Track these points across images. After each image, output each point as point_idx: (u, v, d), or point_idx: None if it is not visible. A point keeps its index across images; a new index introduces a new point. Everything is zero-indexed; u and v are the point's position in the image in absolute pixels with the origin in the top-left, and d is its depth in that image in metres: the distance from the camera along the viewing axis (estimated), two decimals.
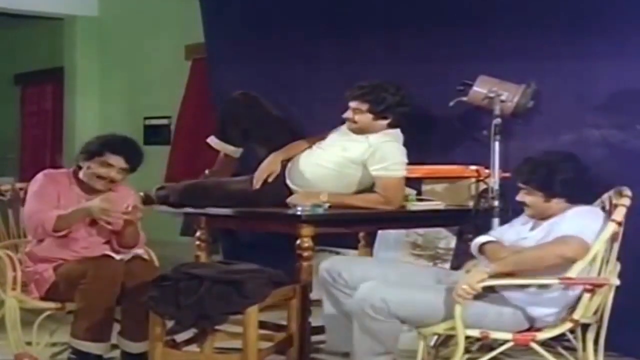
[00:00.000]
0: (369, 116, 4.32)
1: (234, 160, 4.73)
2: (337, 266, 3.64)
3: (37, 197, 4.01)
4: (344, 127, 4.47)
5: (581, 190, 3.38)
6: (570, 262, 3.17)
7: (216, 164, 4.76)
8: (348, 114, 4.37)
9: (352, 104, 4.35)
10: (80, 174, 4.08)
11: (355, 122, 4.35)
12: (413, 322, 3.36)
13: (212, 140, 4.73)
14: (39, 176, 4.10)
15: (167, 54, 7.65)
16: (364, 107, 4.32)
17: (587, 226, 3.22)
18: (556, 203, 3.36)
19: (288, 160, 4.48)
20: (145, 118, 7.93)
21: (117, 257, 3.92)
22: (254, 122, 4.64)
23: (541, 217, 3.42)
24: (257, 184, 4.38)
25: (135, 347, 3.87)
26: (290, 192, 4.37)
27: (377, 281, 3.38)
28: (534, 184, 3.38)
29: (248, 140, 4.70)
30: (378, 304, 3.24)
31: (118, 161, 4.02)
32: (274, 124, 4.67)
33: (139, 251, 4.07)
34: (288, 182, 4.45)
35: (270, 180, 4.39)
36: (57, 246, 4.00)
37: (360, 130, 4.34)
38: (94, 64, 8.62)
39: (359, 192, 4.39)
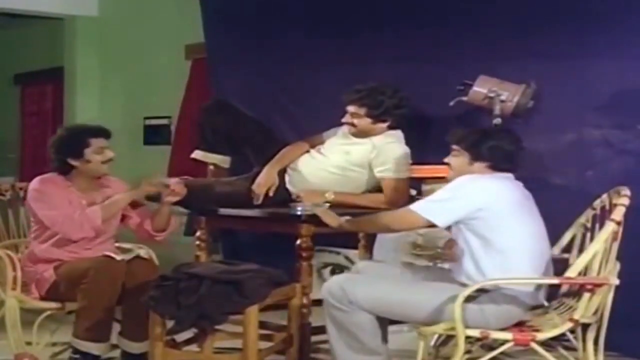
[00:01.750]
0: (368, 120, 4.33)
1: (224, 171, 4.72)
2: (360, 267, 3.76)
3: (50, 202, 3.97)
4: (341, 131, 4.48)
5: (506, 160, 3.44)
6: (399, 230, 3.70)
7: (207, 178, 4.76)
8: (347, 119, 4.38)
9: (350, 108, 4.35)
10: (74, 173, 4.05)
11: (354, 125, 4.36)
12: (382, 314, 3.37)
13: (197, 154, 4.73)
14: (36, 185, 4.03)
15: (167, 54, 7.63)
16: (362, 111, 4.32)
17: (444, 199, 3.32)
18: (478, 167, 3.44)
19: (284, 168, 4.49)
20: (145, 118, 7.92)
21: (119, 257, 3.92)
22: (231, 125, 4.66)
23: None
24: (258, 200, 4.35)
25: (136, 347, 3.88)
26: (291, 197, 4.37)
27: (345, 274, 3.47)
28: (465, 143, 3.47)
29: (232, 146, 4.69)
30: (337, 292, 3.33)
31: (103, 141, 4.07)
32: (251, 125, 4.72)
33: (140, 252, 4.07)
34: (290, 187, 4.45)
35: (271, 194, 4.38)
36: (57, 248, 4.00)
37: (361, 134, 4.36)
38: (94, 64, 8.60)
39: (367, 193, 4.41)
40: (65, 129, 4.24)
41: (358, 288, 3.34)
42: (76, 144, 4.04)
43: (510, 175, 3.47)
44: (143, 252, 4.10)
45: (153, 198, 4.22)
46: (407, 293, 3.33)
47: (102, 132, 4.10)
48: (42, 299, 3.96)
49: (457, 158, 3.50)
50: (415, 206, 3.42)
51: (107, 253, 3.93)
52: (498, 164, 3.43)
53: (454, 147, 3.52)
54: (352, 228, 3.93)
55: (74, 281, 3.82)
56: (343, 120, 4.40)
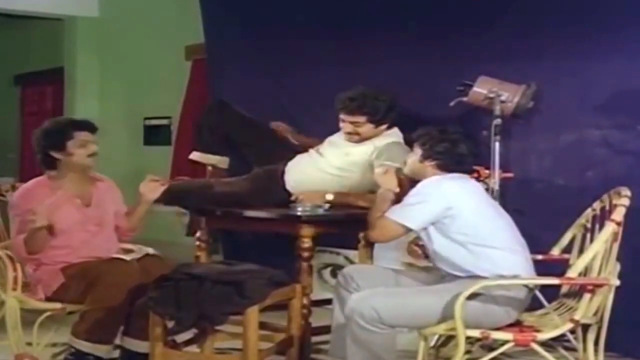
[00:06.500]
0: (370, 126, 4.37)
1: (222, 172, 4.73)
2: (351, 270, 3.67)
3: (16, 223, 3.94)
4: (337, 137, 4.48)
5: (454, 162, 3.51)
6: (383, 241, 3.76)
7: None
8: (348, 129, 4.38)
9: (350, 118, 4.37)
10: (60, 168, 3.97)
11: (358, 134, 4.38)
12: (408, 327, 3.36)
13: (195, 155, 4.74)
14: (13, 199, 3.99)
15: (167, 55, 7.64)
16: (363, 119, 4.35)
17: (414, 203, 3.39)
18: (427, 165, 3.53)
19: (283, 169, 4.49)
20: (146, 118, 7.93)
21: (128, 258, 3.88)
22: (230, 126, 4.69)
23: (415, 177, 3.60)
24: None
25: (142, 346, 3.82)
26: (290, 197, 4.38)
27: (369, 290, 3.37)
28: (421, 141, 3.56)
29: (230, 147, 4.71)
30: (368, 313, 3.20)
31: (87, 135, 3.99)
32: (251, 127, 4.75)
33: (149, 250, 4.04)
34: (289, 188, 4.45)
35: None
36: (57, 250, 3.94)
37: (364, 140, 4.38)
38: (94, 64, 8.62)
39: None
40: (50, 121, 4.11)
41: (389, 307, 3.23)
42: (59, 136, 3.96)
43: (464, 175, 3.53)
44: (151, 250, 4.07)
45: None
46: (442, 307, 3.23)
47: (87, 126, 4.02)
48: (49, 299, 3.90)
49: (412, 155, 3.59)
50: (389, 214, 3.46)
51: (118, 255, 3.89)
52: (446, 165, 3.49)
53: (415, 143, 3.60)
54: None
55: (86, 284, 3.78)
56: (345, 131, 4.41)
